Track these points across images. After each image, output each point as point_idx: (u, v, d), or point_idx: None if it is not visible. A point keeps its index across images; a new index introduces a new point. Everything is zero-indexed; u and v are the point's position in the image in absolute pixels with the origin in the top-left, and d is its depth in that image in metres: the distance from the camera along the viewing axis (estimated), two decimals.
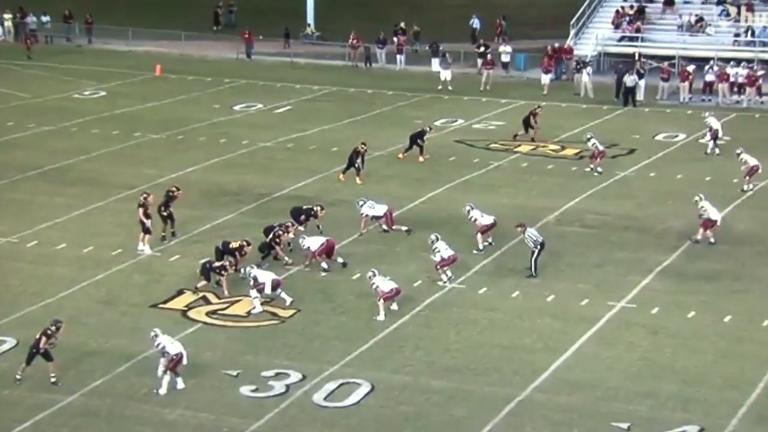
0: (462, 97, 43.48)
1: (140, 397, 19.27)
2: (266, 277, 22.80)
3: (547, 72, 44.29)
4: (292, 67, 49.94)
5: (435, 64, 47.74)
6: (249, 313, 22.60)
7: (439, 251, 23.92)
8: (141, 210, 25.58)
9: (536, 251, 24.50)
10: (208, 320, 22.37)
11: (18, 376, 19.49)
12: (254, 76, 47.16)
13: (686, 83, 42.31)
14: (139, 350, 20.78)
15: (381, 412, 18.82)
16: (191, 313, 22.70)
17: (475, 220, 25.74)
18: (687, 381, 19.83)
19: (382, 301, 22.24)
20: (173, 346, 19.43)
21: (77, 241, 26.76)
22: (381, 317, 22.10)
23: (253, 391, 19.41)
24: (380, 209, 26.87)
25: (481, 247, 25.41)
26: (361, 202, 26.98)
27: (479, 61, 47.09)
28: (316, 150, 35.21)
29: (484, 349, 21.05)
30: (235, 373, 19.96)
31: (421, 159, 33.53)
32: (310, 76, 47.23)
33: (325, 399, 19.15)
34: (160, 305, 23.15)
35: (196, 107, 41.46)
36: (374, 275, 22.52)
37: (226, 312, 22.67)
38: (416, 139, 33.81)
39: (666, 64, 43.84)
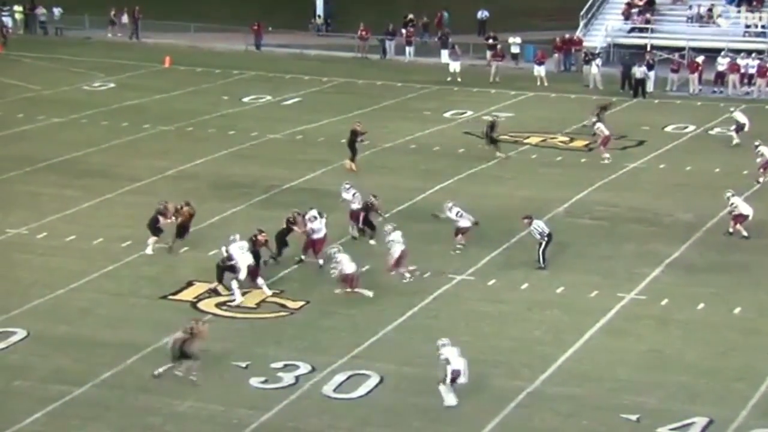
0: (471, 89, 43.42)
1: (150, 389, 19.30)
2: (243, 260, 22.51)
3: (540, 63, 44.02)
4: (301, 59, 49.92)
5: (444, 55, 47.71)
6: (259, 304, 22.63)
7: (393, 243, 23.49)
8: (161, 218, 25.20)
9: (543, 243, 24.45)
10: (218, 312, 22.40)
11: (157, 372, 19.33)
12: (263, 68, 47.17)
13: (696, 74, 42.20)
14: (149, 342, 20.82)
15: (390, 403, 18.85)
16: (201, 305, 22.74)
17: (456, 220, 25.04)
18: (696, 373, 19.79)
19: (341, 289, 22.41)
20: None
21: (87, 233, 26.80)
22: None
23: (262, 382, 19.42)
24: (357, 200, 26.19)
25: (458, 247, 25.00)
26: (347, 185, 26.43)
27: (488, 53, 47.03)
28: (325, 142, 35.21)
29: (493, 341, 21.06)
30: (244, 365, 19.95)
31: (500, 155, 33.20)
32: (319, 68, 47.21)
33: (334, 390, 19.16)
34: (170, 297, 23.18)
35: (205, 99, 41.47)
36: (339, 251, 22.58)
37: (234, 304, 22.69)
38: (489, 132, 33.55)
39: (676, 55, 43.71)
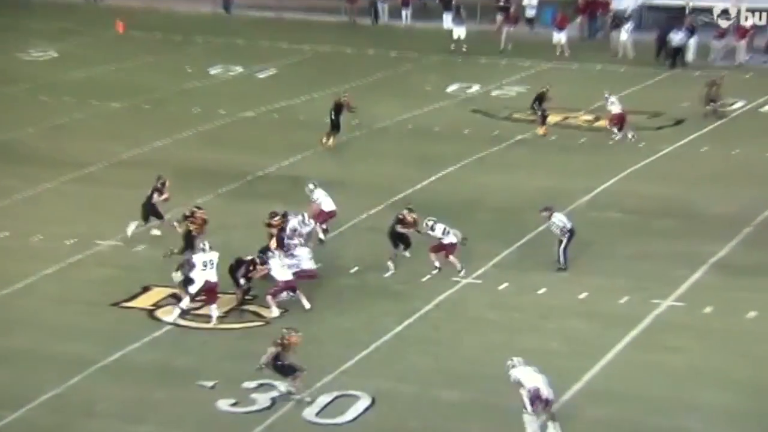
0: (479, 59, 43.50)
1: (99, 412, 19.29)
2: (200, 277, 22.28)
3: (560, 29, 44.18)
4: (278, 24, 49.91)
5: (447, 20, 47.72)
6: (228, 313, 22.69)
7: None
8: (156, 195, 25.79)
9: (564, 240, 24.50)
10: (180, 321, 22.43)
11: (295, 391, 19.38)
12: (233, 34, 47.21)
13: (744, 41, 42.26)
14: (97, 357, 20.83)
15: (383, 429, 18.85)
16: (159, 313, 22.75)
17: (441, 237, 24.35)
18: (743, 393, 19.77)
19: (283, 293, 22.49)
20: None
21: (24, 229, 26.77)
22: (274, 313, 22.28)
23: (232, 405, 19.40)
24: (327, 205, 26.22)
25: (435, 269, 24.40)
26: (312, 186, 26.35)
27: (499, 17, 47.02)
28: (307, 122, 35.26)
29: (504, 355, 20.58)
30: (211, 385, 19.97)
31: (540, 131, 33.58)
32: (299, 35, 47.23)
33: (317, 415, 19.15)
34: (123, 304, 23.20)
35: (164, 71, 41.54)
36: (300, 244, 22.90)
37: (200, 312, 22.69)
38: (536, 103, 33.71)
39: (720, 19, 43.76)
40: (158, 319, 22.52)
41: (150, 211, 26.07)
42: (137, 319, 22.50)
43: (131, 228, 25.94)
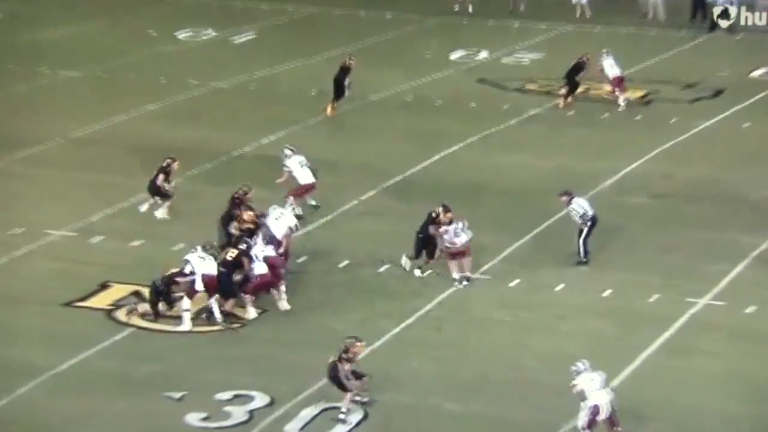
0: (487, 22, 43.43)
1: (51, 425, 19.25)
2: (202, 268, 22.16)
3: None
4: None
5: None
6: (199, 313, 22.59)
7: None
8: (162, 176, 26.30)
9: (585, 229, 24.49)
10: (143, 323, 22.41)
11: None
12: None
13: None
14: (48, 363, 20.78)
15: None
16: (119, 314, 22.73)
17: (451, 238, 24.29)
18: None
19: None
20: None
21: None
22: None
23: (203, 419, 19.35)
24: (304, 177, 26.42)
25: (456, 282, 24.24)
26: (288, 152, 26.70)
27: None
28: (289, 94, 35.29)
29: (516, 361, 21.13)
30: (179, 396, 19.94)
31: (562, 104, 33.91)
32: None
33: (301, 430, 19.15)
34: (78, 303, 23.17)
35: (125, 35, 41.47)
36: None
37: (166, 312, 22.62)
38: (572, 75, 33.96)
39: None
40: (118, 321, 22.48)
41: (154, 192, 26.50)
42: (94, 321, 22.44)
43: (145, 207, 26.43)
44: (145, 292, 23.02)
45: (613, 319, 22.59)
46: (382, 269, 24.34)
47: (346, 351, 19.24)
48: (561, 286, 23.79)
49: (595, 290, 23.62)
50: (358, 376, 19.33)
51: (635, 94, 35.17)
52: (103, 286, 23.73)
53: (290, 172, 26.48)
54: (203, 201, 26.82)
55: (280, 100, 34.95)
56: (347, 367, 19.17)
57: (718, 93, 35.48)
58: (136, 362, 20.91)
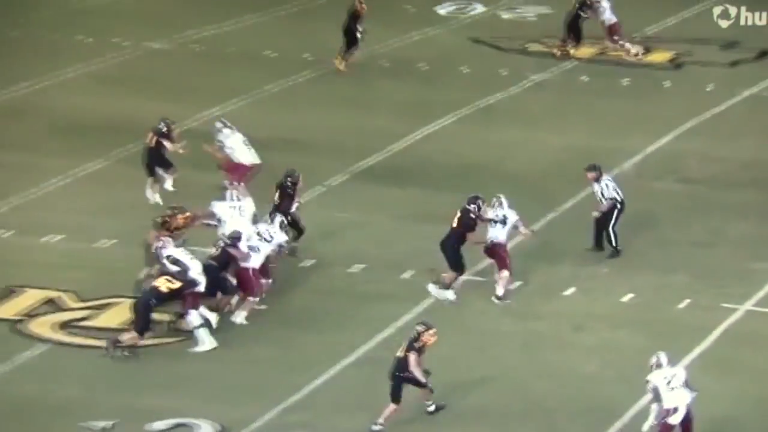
0: None
1: None
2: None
3: None
4: None
5: None
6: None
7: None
8: (167, 143, 26.94)
9: (615, 214, 24.49)
10: (61, 337, 22.19)
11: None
12: None
13: None
14: None
15: None
16: (33, 326, 22.47)
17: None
18: None
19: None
20: None
21: None
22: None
23: None
24: (246, 156, 26.64)
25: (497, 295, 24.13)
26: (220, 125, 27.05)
27: None
28: (241, 55, 35.43)
29: (518, 382, 20.98)
30: (103, 427, 19.82)
31: (555, 52, 34.72)
32: None
33: None
34: None
35: None
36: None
37: (89, 324, 22.56)
38: (573, 25, 34.43)
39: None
40: (28, 335, 22.22)
41: (154, 163, 26.83)
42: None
43: (150, 190, 26.93)
44: (64, 299, 22.90)
45: (635, 330, 22.56)
46: (354, 269, 24.23)
47: (417, 339, 19.48)
48: (572, 290, 23.78)
49: (614, 295, 23.64)
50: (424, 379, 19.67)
51: (662, 56, 35.34)
52: (10, 292, 23.49)
53: (224, 147, 26.71)
54: (135, 190, 26.77)
55: (228, 63, 35.13)
56: (417, 358, 19.47)
57: (763, 54, 35.58)
58: (54, 384, 20.68)
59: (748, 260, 24.79)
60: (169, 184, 27.18)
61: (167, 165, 27.06)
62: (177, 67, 34.87)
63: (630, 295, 23.63)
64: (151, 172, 26.97)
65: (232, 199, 23.99)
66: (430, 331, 19.60)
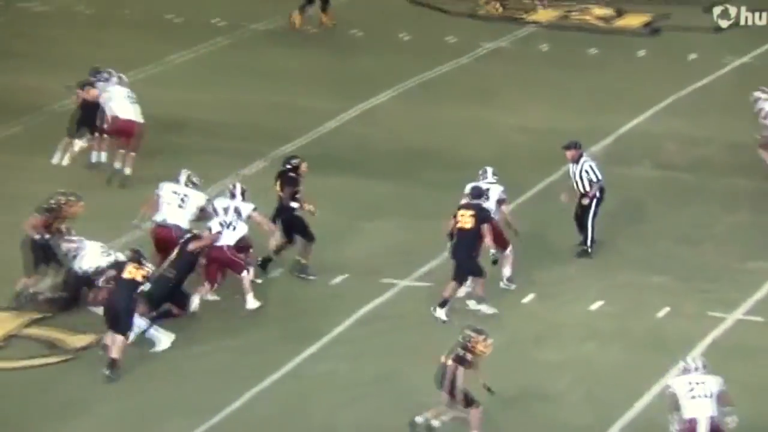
0: None
1: None
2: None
3: None
4: None
5: None
6: (9, 339, 22.58)
7: None
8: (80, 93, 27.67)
9: (593, 204, 24.60)
10: None
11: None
12: None
13: None
14: None
15: None
16: None
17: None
18: None
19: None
20: None
21: None
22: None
23: None
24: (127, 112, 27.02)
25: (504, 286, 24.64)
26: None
27: None
28: (138, 20, 35.67)
29: (483, 396, 20.45)
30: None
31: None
32: None
33: None
34: None
35: None
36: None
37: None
38: None
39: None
40: None
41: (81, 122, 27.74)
42: None
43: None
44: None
45: (607, 342, 22.59)
46: (276, 273, 24.21)
47: (467, 345, 19.71)
48: (531, 296, 23.78)
49: (584, 301, 23.71)
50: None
51: (636, 19, 35.86)
52: None
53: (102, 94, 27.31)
54: (20, 179, 26.69)
55: (120, 24, 35.34)
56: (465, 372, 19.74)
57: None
58: None
59: (738, 260, 25.01)
60: (77, 148, 27.28)
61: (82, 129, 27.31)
62: (58, 31, 35.25)
63: (600, 302, 23.67)
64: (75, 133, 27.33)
65: (182, 184, 24.21)
66: (481, 337, 19.80)
